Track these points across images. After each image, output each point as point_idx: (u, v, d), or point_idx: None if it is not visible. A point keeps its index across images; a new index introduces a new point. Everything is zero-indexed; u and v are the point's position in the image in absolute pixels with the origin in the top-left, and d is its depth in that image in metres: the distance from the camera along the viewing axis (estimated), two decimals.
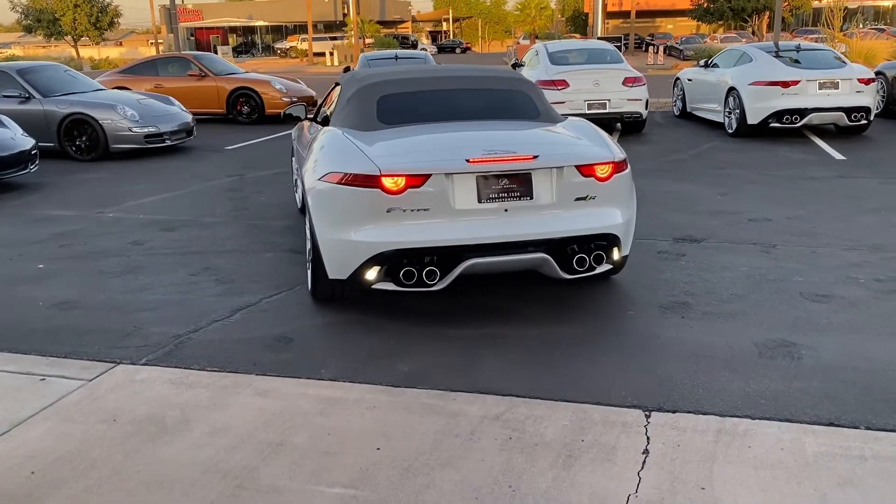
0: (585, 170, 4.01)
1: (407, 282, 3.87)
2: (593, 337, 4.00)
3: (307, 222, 4.46)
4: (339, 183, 3.89)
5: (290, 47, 60.01)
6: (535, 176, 3.94)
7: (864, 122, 10.80)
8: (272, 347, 3.93)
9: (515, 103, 4.86)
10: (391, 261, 3.86)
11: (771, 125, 10.86)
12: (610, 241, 4.14)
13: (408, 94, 4.78)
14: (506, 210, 3.90)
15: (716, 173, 8.67)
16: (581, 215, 4.03)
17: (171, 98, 11.99)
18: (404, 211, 3.80)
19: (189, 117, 11.51)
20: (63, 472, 2.82)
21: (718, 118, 11.92)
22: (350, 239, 3.88)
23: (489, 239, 3.87)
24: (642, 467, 2.77)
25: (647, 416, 3.14)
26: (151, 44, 55.09)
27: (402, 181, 3.76)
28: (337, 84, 5.52)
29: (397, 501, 2.61)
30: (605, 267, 4.21)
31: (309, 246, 4.45)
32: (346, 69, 14.78)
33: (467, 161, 3.81)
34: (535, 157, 3.90)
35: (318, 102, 5.93)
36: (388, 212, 3.80)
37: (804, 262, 5.24)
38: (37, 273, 5.36)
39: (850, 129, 11.05)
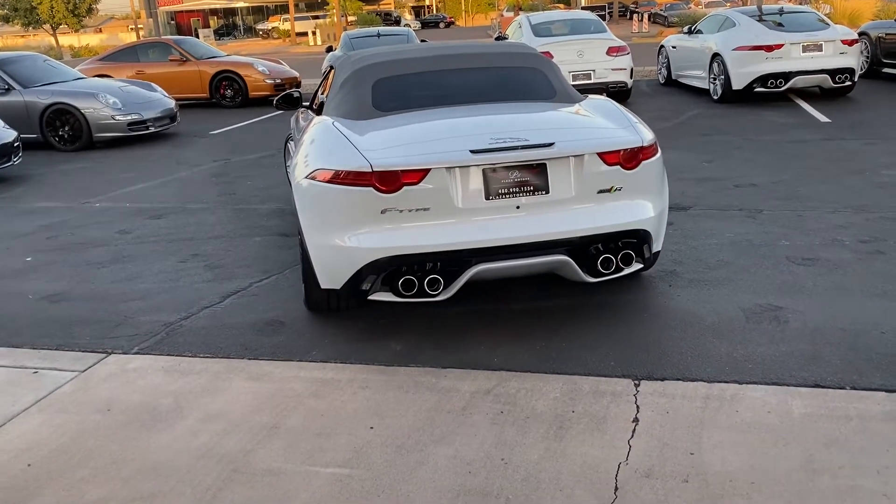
0: (609, 157, 3.55)
1: (407, 292, 3.47)
2: (581, 309, 4.03)
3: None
4: (328, 182, 3.50)
5: (272, 28, 59.41)
6: (551, 166, 3.50)
7: (848, 83, 10.82)
8: (264, 331, 3.95)
9: (528, 82, 4.38)
10: (388, 269, 3.48)
11: (756, 90, 10.86)
12: (640, 237, 3.70)
13: (406, 76, 4.34)
14: (518, 207, 3.48)
15: (701, 140, 8.68)
16: (605, 210, 3.59)
17: (153, 84, 11.90)
18: (401, 212, 3.41)
19: (172, 103, 11.42)
20: (59, 463, 2.84)
21: (703, 85, 11.90)
22: (342, 245, 3.50)
23: (499, 241, 3.44)
24: (632, 435, 2.81)
25: (637, 385, 3.18)
26: (131, 29, 54.41)
27: (397, 178, 3.39)
28: (332, 67, 5.30)
29: (392, 479, 2.64)
30: (634, 267, 3.79)
31: (300, 251, 4.19)
32: (329, 49, 14.65)
33: (471, 152, 3.39)
34: (551, 144, 3.46)
35: (316, 88, 5.62)
36: (382, 213, 3.41)
37: (790, 226, 5.28)
38: (25, 266, 5.35)
39: (834, 90, 11.07)
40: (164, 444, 2.93)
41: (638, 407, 3.00)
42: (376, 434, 2.92)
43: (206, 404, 3.22)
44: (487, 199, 3.48)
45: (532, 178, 3.51)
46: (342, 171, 3.48)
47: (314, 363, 3.55)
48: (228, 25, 66.69)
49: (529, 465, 2.67)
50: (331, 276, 3.70)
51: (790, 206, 5.81)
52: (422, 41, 13.32)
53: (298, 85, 14.96)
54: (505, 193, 3.48)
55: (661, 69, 14.09)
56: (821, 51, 10.64)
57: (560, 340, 3.65)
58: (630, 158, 3.63)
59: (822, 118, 9.61)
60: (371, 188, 3.41)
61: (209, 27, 55.73)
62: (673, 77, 13.44)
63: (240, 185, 7.67)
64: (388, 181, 3.40)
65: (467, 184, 3.46)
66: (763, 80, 10.71)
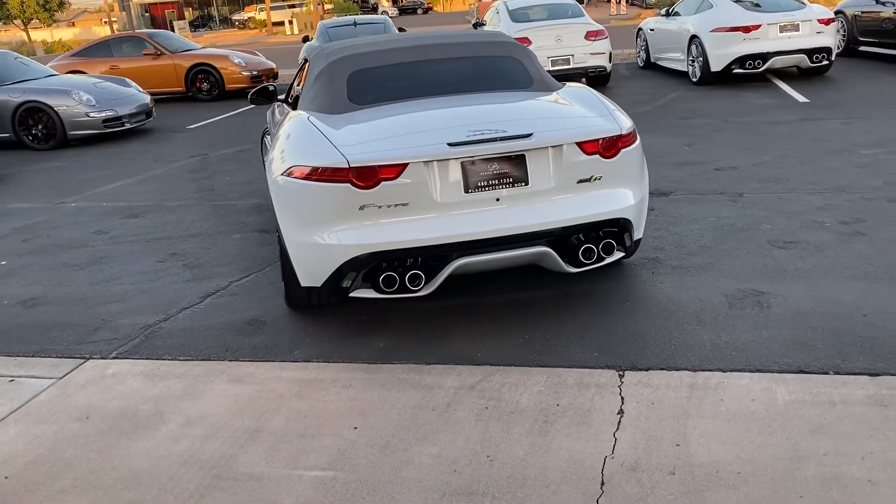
0: (588, 146, 3.53)
1: (388, 288, 3.45)
2: (564, 299, 4.00)
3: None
4: (304, 178, 3.44)
5: (248, 18, 58.78)
6: (531, 157, 3.48)
7: (825, 62, 10.85)
8: (244, 332, 3.90)
9: (505, 71, 4.33)
10: (368, 265, 3.46)
11: (734, 71, 10.87)
12: (621, 226, 3.70)
13: (382, 68, 4.27)
14: (498, 199, 3.46)
15: (681, 123, 8.67)
16: (586, 200, 3.58)
17: (127, 79, 11.73)
18: (379, 207, 3.37)
19: (147, 98, 11.27)
20: (37, 474, 2.79)
21: (682, 67, 11.90)
22: (321, 242, 3.46)
23: (480, 234, 3.42)
24: (617, 428, 2.79)
25: (621, 376, 3.16)
26: (105, 23, 53.66)
27: (374, 173, 3.34)
28: (307, 60, 5.22)
29: (377, 480, 2.61)
30: (616, 256, 3.81)
31: (279, 248, 4.14)
32: (305, 39, 14.48)
33: (449, 145, 3.36)
34: (529, 135, 3.43)
35: (291, 81, 5.53)
36: (361, 209, 3.37)
37: (771, 209, 5.28)
38: None
39: (812, 70, 11.10)
40: (145, 452, 2.88)
41: (623, 398, 2.99)
42: (360, 434, 2.89)
43: (186, 409, 3.17)
44: (467, 192, 3.44)
45: (511, 169, 3.48)
46: (318, 168, 3.42)
47: (296, 363, 3.51)
48: (204, 16, 65.94)
49: (515, 461, 2.65)
50: (311, 273, 3.65)
51: (771, 188, 5.81)
52: (399, 29, 13.24)
53: (276, 76, 14.81)
54: (484, 186, 3.45)
55: (639, 52, 14.07)
56: (798, 30, 10.64)
57: (543, 332, 3.63)
58: (609, 147, 3.61)
59: (801, 98, 9.63)
60: (348, 184, 3.36)
61: (184, 19, 55.12)
62: (652, 60, 13.43)
63: (218, 181, 7.58)
64: (366, 177, 3.36)
65: (446, 177, 3.42)
66: (741, 61, 10.72)
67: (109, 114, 10.39)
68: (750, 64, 10.71)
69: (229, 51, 15.10)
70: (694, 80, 11.43)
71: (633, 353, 3.36)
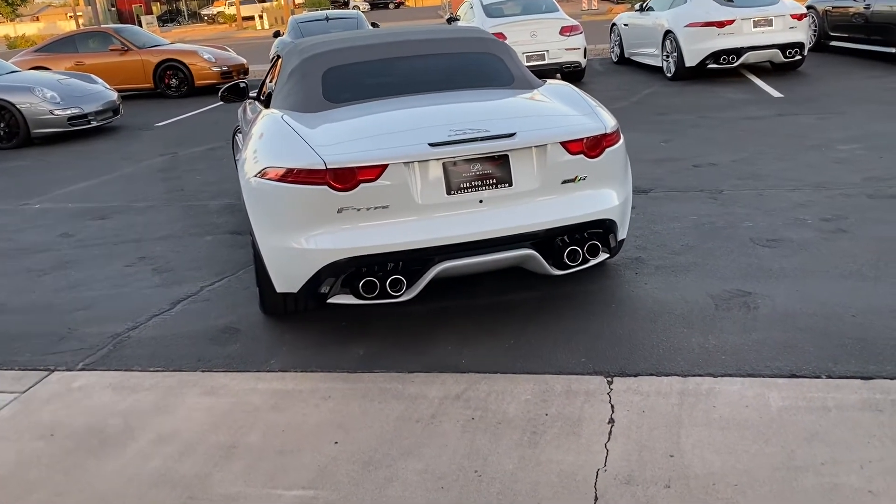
0: (573, 146, 3.44)
1: (368, 294, 3.32)
2: (548, 301, 3.91)
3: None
4: (278, 180, 3.30)
5: (218, 13, 58.02)
6: (514, 158, 3.36)
7: (798, 57, 10.89)
8: (217, 340, 3.75)
9: (485, 68, 4.21)
10: (347, 271, 3.33)
11: (709, 66, 10.87)
12: (606, 227, 3.61)
13: (358, 65, 4.13)
14: (481, 201, 3.35)
15: (658, 119, 8.63)
16: (570, 201, 3.48)
17: (93, 76, 11.44)
18: (358, 210, 3.25)
19: (114, 95, 11.00)
20: None
21: (657, 62, 11.88)
22: (297, 247, 3.32)
23: (462, 237, 3.31)
24: (609, 438, 2.70)
25: (610, 383, 3.07)
26: (70, 17, 52.64)
27: (353, 175, 3.22)
28: (278, 56, 5.06)
29: (360, 498, 2.49)
30: (601, 258, 3.70)
31: (253, 253, 3.98)
32: (276, 34, 14.27)
33: (430, 145, 3.25)
34: (512, 134, 3.33)
35: (263, 78, 5.36)
36: (339, 212, 3.24)
37: (752, 206, 5.24)
38: None
39: (785, 65, 11.14)
40: (114, 471, 2.73)
41: (612, 406, 2.90)
42: (342, 449, 2.76)
43: (158, 424, 3.03)
44: (449, 193, 3.33)
45: (494, 170, 3.37)
46: (293, 169, 3.29)
47: (272, 373, 3.38)
48: (172, 11, 64.98)
49: (504, 476, 2.54)
50: (287, 279, 3.52)
51: (750, 185, 5.77)
52: (372, 24, 13.07)
53: (246, 72, 14.58)
54: (467, 187, 3.35)
55: (613, 47, 14.04)
56: (771, 25, 10.67)
57: (528, 336, 3.53)
58: (594, 146, 3.52)
59: (775, 93, 9.65)
60: (326, 186, 3.24)
61: (152, 13, 54.22)
62: (626, 55, 13.40)
63: (188, 181, 7.38)
64: (344, 178, 3.23)
65: (427, 179, 3.31)
66: (716, 56, 10.72)
67: (75, 111, 10.11)
68: (724, 59, 10.72)
69: (198, 46, 14.82)
70: (668, 75, 11.42)
71: (621, 357, 3.27)
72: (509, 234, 3.38)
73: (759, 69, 11.53)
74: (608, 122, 3.64)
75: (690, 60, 10.87)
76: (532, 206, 3.44)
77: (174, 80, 13.81)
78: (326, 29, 12.59)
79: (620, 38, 13.49)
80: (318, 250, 3.32)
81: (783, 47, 10.68)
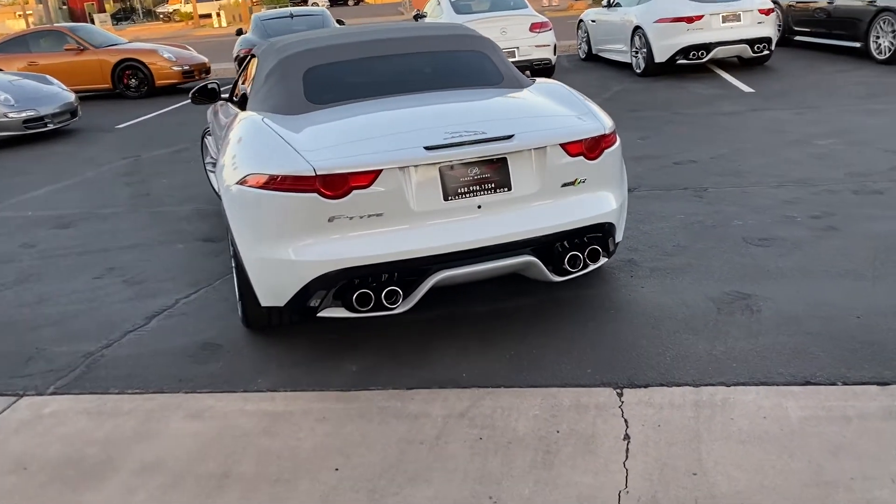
0: (572, 148, 3.30)
1: (362, 307, 3.14)
2: (545, 307, 3.77)
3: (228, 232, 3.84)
4: (263, 188, 3.11)
5: (174, 10, 56.90)
6: (513, 161, 3.22)
7: (766, 52, 10.93)
8: (199, 358, 3.53)
9: (473, 67, 4.04)
10: (339, 283, 3.15)
11: (678, 62, 10.86)
12: (605, 231, 3.48)
13: (340, 64, 3.93)
14: (479, 207, 3.20)
15: (632, 116, 8.56)
16: (570, 204, 3.35)
17: (48, 77, 11.03)
18: (351, 219, 3.07)
19: (72, 96, 10.60)
20: None
21: (626, 59, 11.84)
22: (284, 258, 3.13)
23: (461, 245, 3.15)
24: (627, 456, 2.57)
25: (620, 395, 2.94)
26: (20, 16, 51.12)
27: (344, 181, 3.04)
28: (253, 56, 4.83)
29: None
30: (601, 262, 3.55)
31: (233, 264, 3.79)
32: (239, 32, 13.92)
33: (426, 149, 3.08)
34: (510, 136, 3.18)
35: (236, 79, 5.11)
36: (330, 221, 3.06)
37: (738, 204, 5.17)
38: None
39: (752, 60, 11.18)
40: None
41: (626, 421, 2.76)
42: (343, 476, 2.58)
43: (140, 452, 2.81)
44: (446, 199, 3.17)
45: (492, 174, 3.22)
46: (279, 176, 3.09)
47: (261, 393, 3.18)
48: (126, 9, 63.50)
49: (521, 502, 2.39)
50: (272, 292, 3.32)
51: (734, 181, 5.71)
52: (338, 21, 12.82)
53: (208, 71, 14.21)
54: (464, 193, 3.18)
55: (580, 44, 13.99)
56: (739, 21, 10.69)
57: (529, 346, 3.39)
58: (593, 147, 3.39)
59: (746, 88, 9.65)
60: (315, 194, 3.04)
61: (105, 11, 52.99)
62: (594, 52, 13.35)
63: (154, 185, 7.09)
64: (335, 185, 3.05)
65: (423, 184, 3.14)
66: (685, 51, 10.71)
67: (30, 114, 9.72)
68: (694, 54, 10.71)
69: (158, 45, 14.39)
70: (638, 71, 11.38)
71: (629, 367, 3.14)
72: (509, 240, 3.23)
73: (727, 64, 11.56)
74: (606, 122, 3.51)
75: (660, 56, 10.85)
76: (532, 211, 3.29)
77: (133, 81, 13.39)
78: (291, 26, 12.31)
79: (588, 35, 13.44)
80: (307, 262, 3.12)
81: (751, 42, 10.71)
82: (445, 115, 3.39)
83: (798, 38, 12.71)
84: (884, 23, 10.31)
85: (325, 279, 3.14)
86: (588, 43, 13.48)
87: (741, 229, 4.68)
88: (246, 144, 3.45)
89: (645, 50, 11.02)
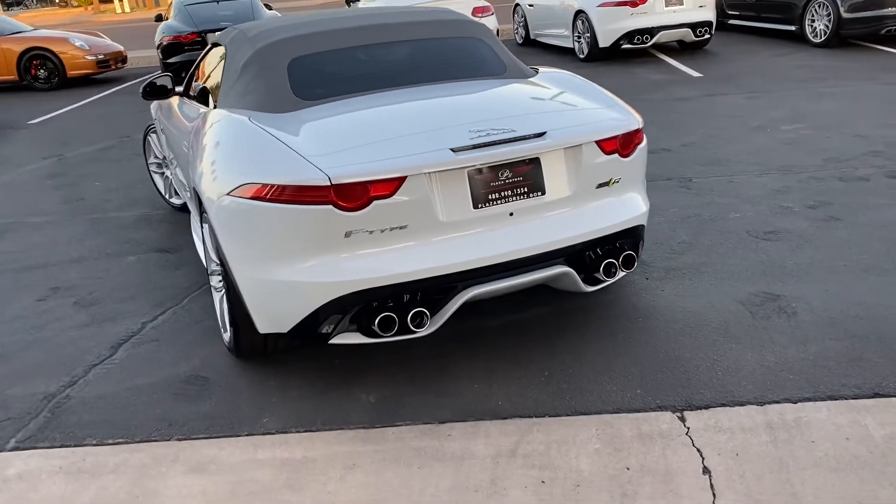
0: (607, 145, 3.00)
1: (385, 332, 2.75)
2: (565, 319, 3.46)
3: (207, 242, 3.31)
4: (263, 199, 2.68)
5: None
6: (545, 161, 2.89)
7: (707, 36, 10.94)
8: (185, 394, 3.07)
9: (473, 56, 3.67)
10: (358, 306, 2.76)
11: (622, 46, 10.74)
12: (637, 234, 3.19)
13: (328, 53, 3.50)
14: (511, 214, 2.86)
15: None
16: (604, 207, 3.05)
17: None
18: (370, 233, 2.68)
19: None
20: None
21: (567, 43, 11.66)
22: (290, 279, 2.72)
23: (494, 258, 2.79)
24: (714, 496, 2.28)
25: (682, 420, 2.66)
26: None
27: (364, 191, 2.63)
28: (214, 45, 4.24)
29: None
30: (630, 270, 3.19)
31: (218, 282, 3.33)
32: (159, 18, 13.05)
33: (452, 151, 2.71)
34: (542, 134, 2.85)
35: (191, 71, 4.56)
36: (346, 236, 2.67)
37: (728, 195, 4.99)
38: None
39: (693, 44, 11.18)
40: None
41: (699, 451, 2.48)
42: None
43: None
44: (475, 207, 2.80)
45: (524, 177, 2.87)
46: (285, 186, 2.65)
47: (270, 436, 2.75)
48: None
49: None
50: (274, 318, 2.89)
51: (715, 171, 5.54)
52: (266, 6, 12.15)
53: (125, 61, 13.30)
54: (496, 199, 2.83)
55: (517, 28, 13.74)
56: (682, 4, 10.64)
57: (561, 363, 3.07)
58: (626, 144, 3.09)
59: (693, 73, 9.60)
60: (330, 206, 2.62)
61: None
62: (532, 37, 13.12)
63: (87, 188, 6.43)
64: (353, 196, 2.63)
65: (451, 191, 2.76)
66: (629, 36, 10.60)
67: None
68: (638, 39, 10.61)
69: (69, 32, 13.35)
70: (581, 56, 11.22)
71: (679, 385, 2.87)
72: (545, 250, 2.89)
73: (668, 48, 11.53)
74: (635, 115, 3.22)
75: (604, 41, 10.70)
76: (567, 217, 2.97)
77: (42, 71, 12.38)
78: (216, 12, 11.60)
79: (525, 19, 13.19)
80: (319, 283, 2.71)
81: (694, 26, 10.69)
82: (463, 112, 3.01)
83: (732, 21, 12.82)
84: (819, 6, 10.45)
85: (340, 303, 2.73)
86: (525, 27, 13.24)
87: (741, 222, 4.49)
88: (233, 148, 2.99)
89: (588, 35, 10.85)
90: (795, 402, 2.71)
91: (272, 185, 2.67)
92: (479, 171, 2.79)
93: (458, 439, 2.64)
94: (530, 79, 3.62)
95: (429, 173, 2.69)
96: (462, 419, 2.75)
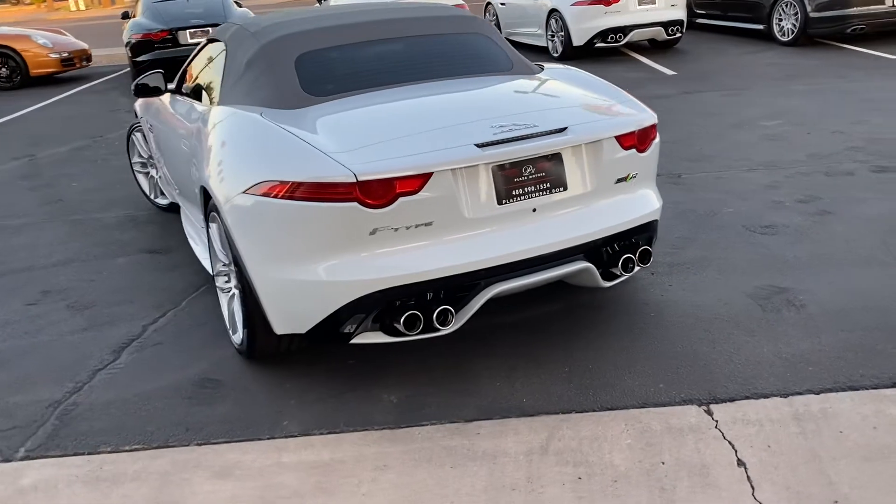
0: (626, 140, 3.01)
1: (410, 330, 2.69)
2: (578, 315, 3.46)
3: (214, 242, 3.27)
4: (285, 197, 2.62)
5: None
6: (567, 157, 2.90)
7: (678, 34, 11.07)
8: (199, 398, 2.99)
9: (481, 52, 3.65)
10: (382, 304, 2.72)
11: (596, 45, 10.81)
12: (652, 229, 3.23)
13: (336, 49, 3.44)
14: (534, 210, 2.85)
15: None
16: (622, 202, 3.07)
17: None
18: (396, 230, 2.64)
19: None
20: None
21: (541, 42, 11.70)
22: (311, 279, 2.68)
23: (518, 254, 2.78)
24: (752, 487, 2.29)
25: (709, 413, 2.67)
26: None
27: (391, 187, 2.59)
28: (210, 41, 4.17)
29: None
30: (646, 265, 3.19)
31: (225, 283, 3.28)
32: (126, 15, 12.75)
33: (477, 146, 2.70)
34: (564, 129, 2.86)
35: (183, 69, 4.44)
36: (372, 234, 2.63)
37: (719, 190, 5.04)
38: None
39: (664, 43, 11.30)
40: None
41: (731, 444, 2.49)
42: None
43: None
44: (500, 203, 2.78)
45: (547, 172, 2.86)
46: (309, 183, 2.59)
47: (294, 438, 2.69)
48: None
49: None
50: (293, 318, 2.83)
51: (703, 167, 5.60)
52: (237, 3, 11.97)
53: (90, 59, 12.99)
54: (520, 195, 2.81)
55: None
56: (654, 3, 10.75)
57: (582, 360, 3.06)
58: (643, 139, 3.11)
59: (667, 71, 9.71)
60: (355, 203, 2.58)
61: None
62: (503, 35, 13.13)
63: (64, 189, 6.26)
64: (379, 192, 2.59)
65: (476, 187, 2.73)
66: (603, 34, 10.68)
67: None
68: (612, 37, 10.70)
69: (31, 30, 12.98)
70: (555, 55, 11.27)
71: (702, 379, 2.88)
72: (567, 246, 2.88)
73: (639, 47, 11.64)
74: (649, 110, 3.23)
75: (578, 39, 10.77)
76: (588, 212, 2.97)
77: (4, 70, 12.01)
78: (184, 9, 11.37)
79: (497, 18, 13.21)
80: (342, 282, 2.66)
81: (666, 25, 10.82)
82: (482, 108, 2.98)
83: (700, 20, 12.99)
84: (786, 6, 10.65)
85: (364, 301, 2.68)
86: (497, 26, 13.26)
87: (737, 217, 4.54)
88: (247, 146, 2.92)
89: (562, 33, 10.91)
90: (818, 394, 2.74)
91: (293, 183, 2.62)
92: (503, 167, 2.77)
93: (487, 438, 2.61)
94: (538, 75, 3.61)
95: (454, 169, 2.66)
96: (488, 417, 2.73)
